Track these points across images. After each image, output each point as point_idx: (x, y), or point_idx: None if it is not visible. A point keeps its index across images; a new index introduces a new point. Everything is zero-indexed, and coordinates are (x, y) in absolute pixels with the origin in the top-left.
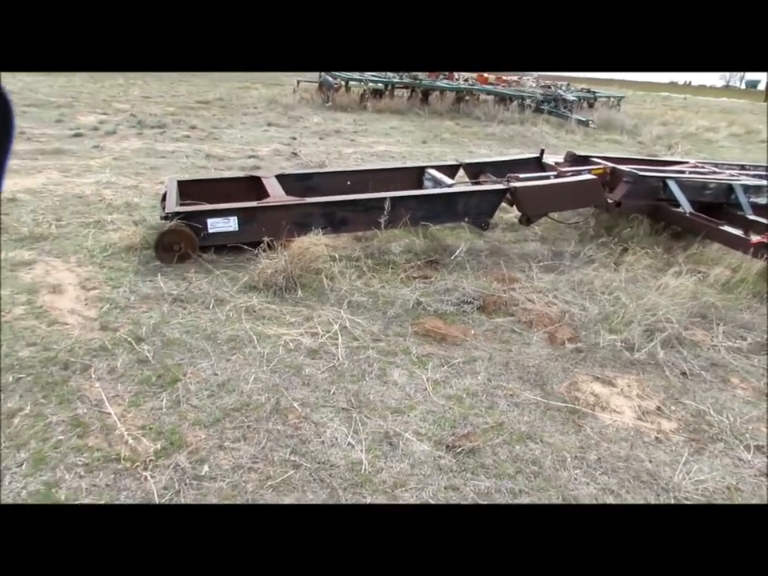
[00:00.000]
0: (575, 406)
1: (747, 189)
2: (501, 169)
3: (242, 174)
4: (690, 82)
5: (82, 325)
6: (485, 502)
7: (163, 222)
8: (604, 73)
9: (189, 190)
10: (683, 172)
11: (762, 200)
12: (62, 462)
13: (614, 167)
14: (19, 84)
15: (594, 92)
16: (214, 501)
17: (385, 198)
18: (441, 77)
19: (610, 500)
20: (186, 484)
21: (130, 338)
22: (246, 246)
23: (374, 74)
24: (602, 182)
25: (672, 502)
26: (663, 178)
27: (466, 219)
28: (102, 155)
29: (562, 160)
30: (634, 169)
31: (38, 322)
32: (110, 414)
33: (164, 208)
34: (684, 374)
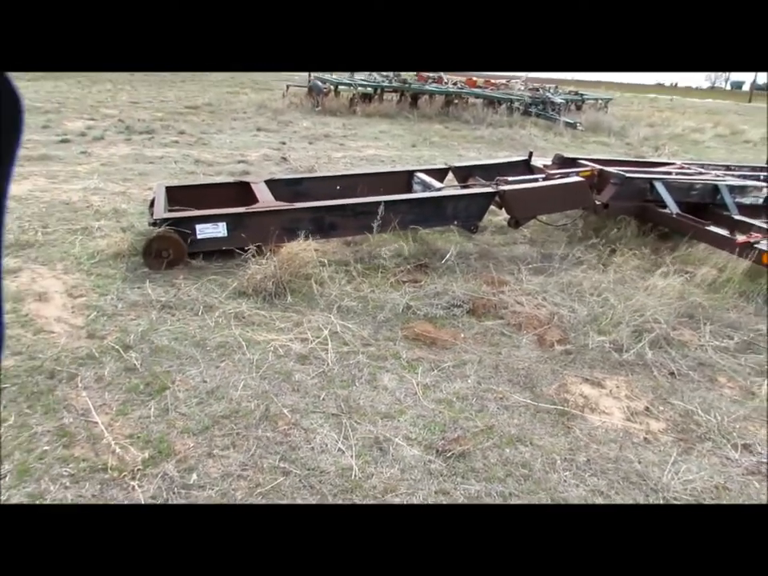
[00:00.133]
0: (564, 408)
1: (732, 189)
2: (490, 172)
3: (231, 180)
4: (676, 84)
5: (69, 333)
6: (476, 502)
7: (151, 228)
8: (591, 74)
9: (177, 195)
10: (670, 173)
11: (747, 200)
12: (47, 473)
13: (601, 169)
14: None
15: (582, 94)
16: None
17: (374, 203)
18: (430, 80)
19: (600, 501)
20: (174, 493)
21: (118, 346)
22: (235, 252)
23: (362, 78)
24: (590, 183)
25: (661, 502)
26: (650, 180)
27: (456, 222)
28: (90, 161)
29: (550, 162)
30: (622, 170)
31: (24, 331)
32: (96, 423)
33: (152, 214)
34: (672, 374)
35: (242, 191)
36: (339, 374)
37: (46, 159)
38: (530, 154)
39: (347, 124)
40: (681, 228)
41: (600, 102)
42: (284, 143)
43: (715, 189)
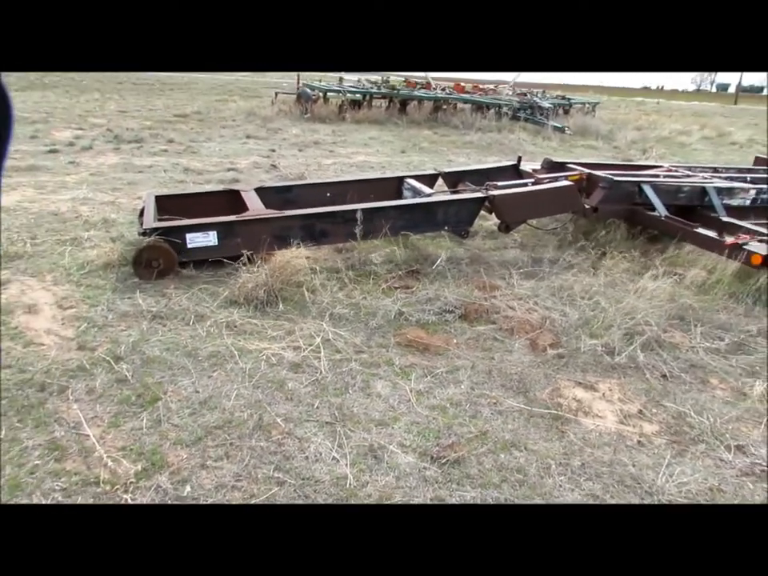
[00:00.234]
0: (558, 412)
1: (720, 191)
2: (479, 177)
3: (220, 188)
4: (662, 87)
5: (59, 345)
6: (471, 503)
7: (141, 237)
8: (578, 78)
9: (167, 204)
10: (658, 176)
11: (734, 201)
12: (39, 487)
13: (590, 173)
14: None
15: (569, 98)
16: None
17: (365, 209)
18: (418, 86)
19: None
20: None
21: (109, 358)
22: (226, 261)
23: (351, 84)
24: (579, 187)
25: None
26: (638, 183)
27: (446, 228)
28: (78, 171)
29: (539, 167)
30: (610, 174)
31: (13, 344)
32: (88, 436)
33: (142, 224)
34: (664, 376)
35: (231, 199)
36: (332, 382)
37: (34, 170)
38: (519, 159)
39: (336, 131)
40: (669, 230)
41: (587, 105)
42: (273, 151)
43: (703, 191)
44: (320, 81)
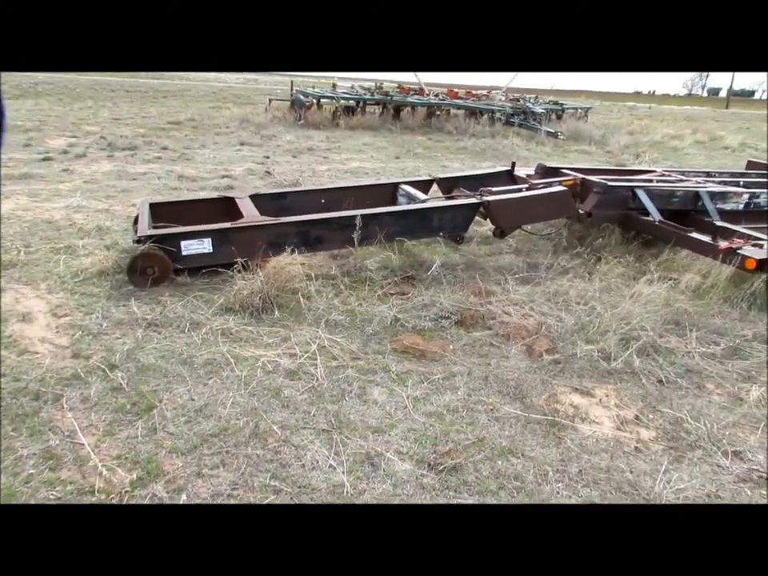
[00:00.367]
0: (555, 418)
1: (713, 195)
2: (473, 183)
3: (215, 195)
4: (654, 92)
5: (53, 353)
6: (468, 502)
7: (136, 245)
8: (571, 83)
9: (161, 212)
10: (651, 181)
11: (728, 206)
12: (33, 496)
13: (583, 178)
14: None
15: (562, 104)
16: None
17: (360, 216)
18: (411, 92)
19: None
20: None
21: (104, 366)
22: (221, 268)
23: (345, 90)
24: (573, 193)
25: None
26: (632, 188)
27: (441, 234)
28: (72, 179)
29: (533, 172)
30: (604, 179)
31: (7, 352)
32: (83, 444)
33: (136, 231)
34: (660, 381)
35: (226, 206)
36: (329, 389)
37: (27, 178)
38: (513, 164)
39: (331, 137)
40: (663, 235)
41: (580, 110)
42: (268, 157)
43: (696, 195)
44: (313, 87)
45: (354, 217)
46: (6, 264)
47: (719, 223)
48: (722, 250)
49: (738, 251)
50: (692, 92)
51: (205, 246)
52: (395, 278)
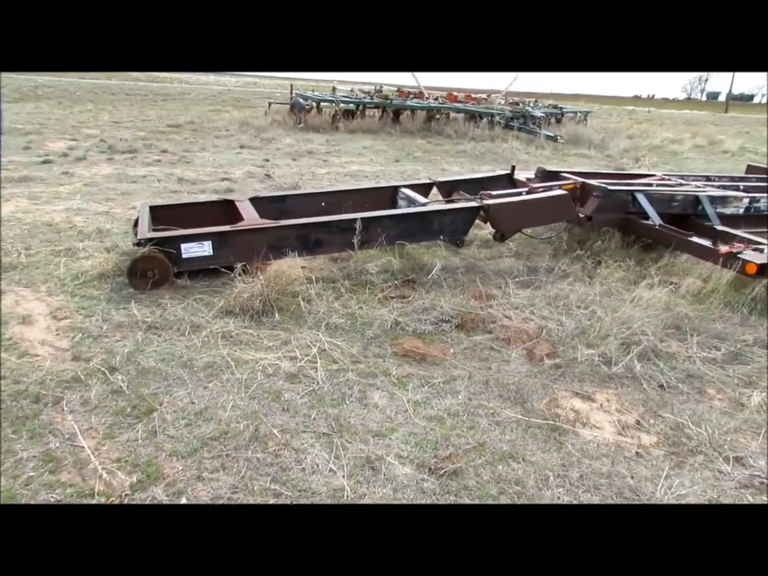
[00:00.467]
0: (556, 423)
1: (713, 200)
2: (473, 186)
3: (215, 198)
4: (653, 96)
5: (54, 356)
6: (466, 502)
7: (136, 248)
8: (570, 87)
9: (162, 215)
10: (651, 185)
11: (728, 210)
12: (33, 499)
13: (583, 182)
14: None
15: (561, 107)
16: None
17: (360, 219)
18: (411, 96)
19: None
20: None
21: (104, 368)
22: (221, 271)
23: (344, 94)
24: (573, 196)
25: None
26: (632, 192)
27: (441, 237)
28: (72, 181)
29: (533, 176)
30: (603, 183)
31: (8, 355)
32: (83, 447)
33: (136, 234)
34: (661, 386)
35: (226, 209)
36: (329, 393)
37: (27, 180)
38: (513, 168)
39: (330, 140)
40: (664, 239)
41: (579, 114)
42: (267, 160)
43: (696, 200)
44: (313, 91)
45: (354, 220)
46: (7, 266)
47: (719, 227)
48: (722, 255)
49: (739, 255)
50: (691, 96)
51: (205, 248)
52: (395, 282)
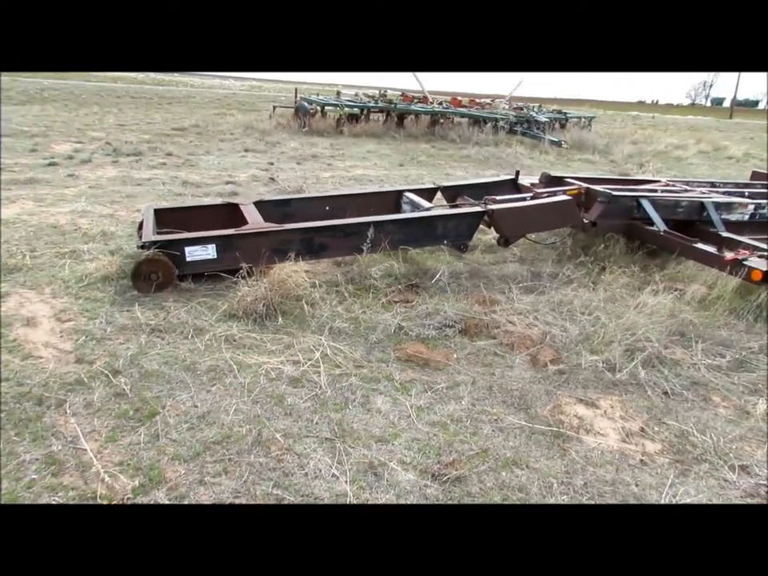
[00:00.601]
0: (560, 430)
1: (718, 206)
2: (477, 191)
3: (219, 201)
4: (657, 101)
5: (57, 358)
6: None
7: (140, 250)
8: (574, 92)
9: (166, 218)
10: (656, 191)
11: (733, 216)
12: (35, 502)
13: (588, 187)
14: None
15: (566, 113)
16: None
17: (364, 223)
18: (415, 100)
19: None
20: None
21: (107, 371)
22: (224, 274)
23: (349, 98)
24: (577, 202)
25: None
26: (637, 198)
27: (445, 242)
28: (77, 184)
29: (537, 181)
30: (608, 189)
31: (11, 356)
32: (85, 450)
33: (141, 237)
34: (666, 393)
35: (230, 213)
36: (332, 397)
37: (33, 182)
38: (517, 173)
39: (334, 144)
40: (668, 245)
41: (583, 120)
42: (272, 164)
43: (701, 206)
44: (318, 95)
45: (358, 224)
46: (12, 268)
47: (724, 234)
48: (727, 261)
49: (744, 262)
50: (695, 102)
51: (209, 252)
52: (399, 286)
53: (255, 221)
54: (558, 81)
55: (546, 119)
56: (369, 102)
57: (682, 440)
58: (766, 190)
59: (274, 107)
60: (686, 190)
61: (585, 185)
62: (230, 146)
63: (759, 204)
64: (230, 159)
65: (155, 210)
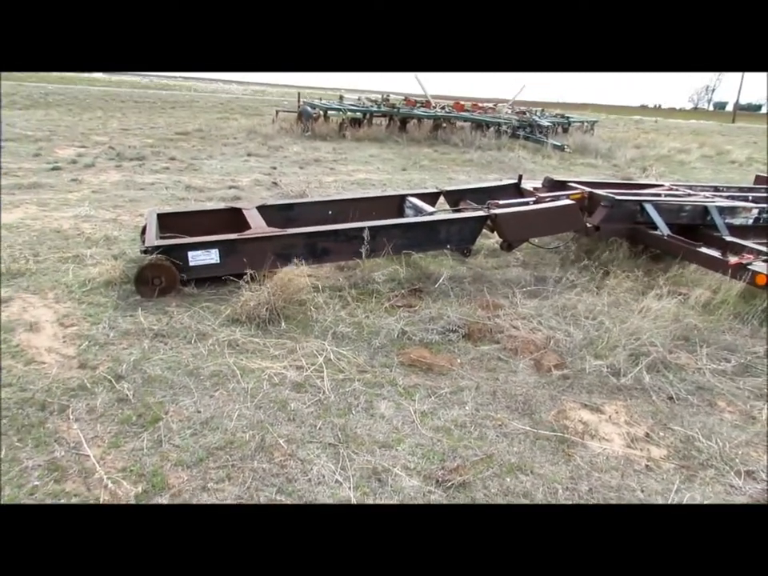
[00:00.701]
0: (564, 435)
1: (722, 210)
2: (480, 195)
3: (222, 206)
4: (660, 105)
5: (60, 363)
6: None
7: (143, 255)
8: (577, 97)
9: (169, 222)
10: (659, 195)
11: (737, 221)
12: None
13: (591, 192)
14: None
15: (568, 117)
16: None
17: (366, 228)
18: (418, 105)
19: None
20: None
21: (110, 376)
22: (228, 279)
23: (351, 102)
24: (581, 206)
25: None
26: (640, 202)
27: (448, 246)
28: (81, 188)
29: (540, 185)
30: (611, 193)
31: (14, 362)
32: (88, 456)
33: (144, 241)
34: (671, 398)
35: (233, 217)
36: (335, 402)
37: (37, 187)
38: (520, 177)
39: (337, 148)
40: (672, 250)
41: (586, 124)
42: (275, 168)
43: (705, 210)
44: (320, 99)
45: (361, 229)
46: (15, 273)
47: (728, 238)
48: (731, 266)
49: (748, 266)
50: (698, 106)
51: (212, 256)
52: (402, 291)
53: (258, 225)
54: (560, 85)
55: (549, 123)
56: (372, 106)
57: (688, 445)
58: None
59: (277, 111)
60: (690, 194)
61: (588, 189)
62: (233, 150)
63: (763, 208)
64: (233, 163)
65: (158, 215)
